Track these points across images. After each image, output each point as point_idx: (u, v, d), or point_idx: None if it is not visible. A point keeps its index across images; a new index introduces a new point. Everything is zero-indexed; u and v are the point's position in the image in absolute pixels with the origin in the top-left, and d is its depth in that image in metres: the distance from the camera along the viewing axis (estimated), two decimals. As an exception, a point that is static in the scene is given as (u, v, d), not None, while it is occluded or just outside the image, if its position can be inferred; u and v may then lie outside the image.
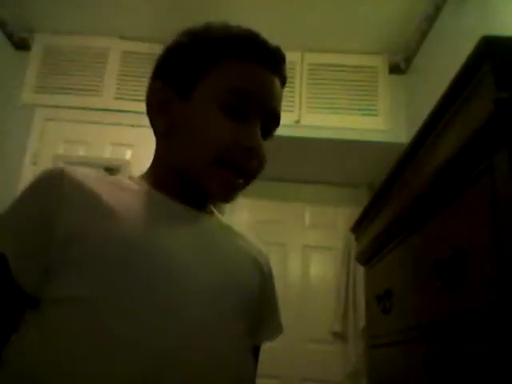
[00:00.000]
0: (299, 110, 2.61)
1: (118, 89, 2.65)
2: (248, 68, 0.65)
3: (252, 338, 0.69)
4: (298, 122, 2.59)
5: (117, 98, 2.64)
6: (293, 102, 2.63)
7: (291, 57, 2.68)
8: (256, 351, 0.76)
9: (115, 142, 2.56)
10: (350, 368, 2.70)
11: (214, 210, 0.75)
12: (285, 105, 2.82)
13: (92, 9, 2.53)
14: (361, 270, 2.36)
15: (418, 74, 2.53)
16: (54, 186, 0.57)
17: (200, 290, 0.59)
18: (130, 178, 0.69)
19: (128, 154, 2.54)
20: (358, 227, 1.48)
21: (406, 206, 1.03)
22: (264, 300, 0.73)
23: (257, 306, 0.69)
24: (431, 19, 2.30)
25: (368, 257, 1.38)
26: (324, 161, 2.86)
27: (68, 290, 0.53)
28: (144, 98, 0.69)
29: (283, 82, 0.71)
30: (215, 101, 0.63)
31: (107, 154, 2.55)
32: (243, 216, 3.01)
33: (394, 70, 2.67)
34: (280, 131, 2.44)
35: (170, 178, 0.68)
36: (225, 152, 0.63)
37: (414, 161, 0.98)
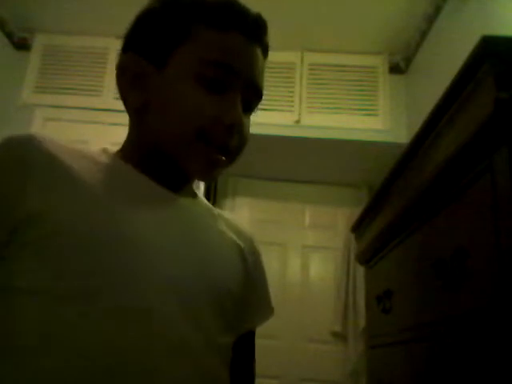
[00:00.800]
0: (299, 110, 2.61)
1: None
2: (226, 36, 0.59)
3: (235, 330, 0.66)
4: (297, 122, 2.59)
5: (117, 98, 2.62)
6: (293, 102, 2.63)
7: (291, 57, 2.68)
8: (251, 336, 0.74)
9: (115, 141, 2.51)
10: (349, 368, 2.70)
11: (197, 192, 0.71)
12: (285, 105, 2.84)
13: (92, 9, 2.52)
14: (361, 270, 2.36)
15: (418, 73, 2.53)
16: (18, 161, 0.53)
17: (169, 287, 0.55)
18: (105, 151, 0.64)
19: (128, 154, 2.54)
20: (358, 227, 1.48)
21: (405, 205, 1.03)
22: (250, 285, 0.69)
23: (241, 294, 0.66)
24: (431, 19, 2.30)
25: (368, 257, 1.39)
26: (324, 161, 2.86)
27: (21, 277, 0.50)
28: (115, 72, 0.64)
29: (265, 52, 0.65)
30: (192, 72, 0.59)
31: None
32: (243, 215, 3.01)
33: (394, 70, 2.67)
34: (280, 131, 2.47)
35: (145, 158, 0.63)
36: (204, 127, 0.58)
37: (414, 161, 0.98)
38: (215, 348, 0.59)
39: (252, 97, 0.64)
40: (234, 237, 0.70)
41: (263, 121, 2.56)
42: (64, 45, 2.72)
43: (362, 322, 2.54)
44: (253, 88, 0.63)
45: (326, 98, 2.64)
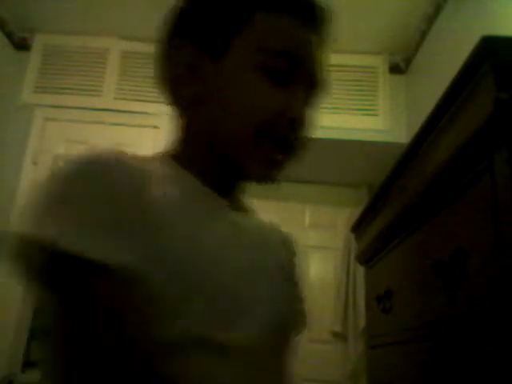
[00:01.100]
0: (299, 110, 2.60)
1: (117, 89, 2.65)
2: (288, 24, 0.55)
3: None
4: (297, 121, 2.59)
5: (117, 98, 2.64)
6: (293, 101, 2.62)
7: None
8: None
9: (115, 141, 2.55)
10: (349, 368, 2.70)
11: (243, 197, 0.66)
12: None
13: (92, 9, 2.52)
14: (361, 270, 2.36)
15: (417, 73, 2.53)
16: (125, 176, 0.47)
17: (262, 300, 0.53)
18: (154, 159, 0.59)
19: (128, 154, 2.54)
20: (358, 227, 1.48)
21: (406, 205, 1.03)
22: (298, 301, 0.67)
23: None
24: (431, 19, 2.30)
25: (368, 257, 1.38)
26: (324, 161, 2.86)
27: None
28: (157, 63, 0.59)
29: (328, 44, 0.61)
30: (252, 63, 0.54)
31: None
32: (243, 216, 3.01)
33: (394, 69, 2.67)
34: (280, 131, 2.36)
35: (198, 157, 0.58)
36: (266, 123, 0.54)
37: (414, 161, 0.98)
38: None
39: (315, 89, 0.60)
40: (284, 252, 0.68)
41: (263, 121, 2.56)
42: (64, 45, 2.72)
43: (362, 322, 2.54)
44: (316, 80, 0.59)
45: (325, 97, 2.64)
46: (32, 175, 2.49)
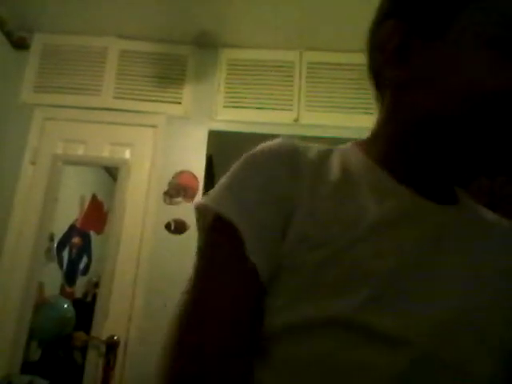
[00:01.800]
0: (298, 109, 2.60)
1: (116, 88, 2.65)
2: None
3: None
4: (296, 120, 2.59)
5: (116, 98, 2.64)
6: (291, 100, 2.62)
7: (290, 56, 2.68)
8: None
9: (114, 141, 2.55)
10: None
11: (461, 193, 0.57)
12: (283, 103, 2.81)
13: (91, 8, 2.52)
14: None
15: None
16: (293, 167, 0.50)
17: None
18: (354, 147, 0.57)
19: (127, 154, 2.54)
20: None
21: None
22: None
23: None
24: (430, 18, 2.30)
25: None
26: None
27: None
28: (365, 42, 0.56)
29: None
30: (484, 40, 0.47)
31: (106, 153, 2.54)
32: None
33: (393, 68, 2.67)
34: (279, 130, 2.45)
35: (398, 147, 0.53)
36: (502, 103, 0.46)
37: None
38: None
39: None
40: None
41: (262, 119, 2.56)
42: (63, 44, 2.72)
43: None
44: None
45: (324, 96, 2.64)
46: (31, 174, 2.49)
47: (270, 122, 2.53)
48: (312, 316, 0.44)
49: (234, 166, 0.52)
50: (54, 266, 2.67)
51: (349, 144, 0.58)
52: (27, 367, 2.27)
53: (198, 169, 2.53)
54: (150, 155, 2.51)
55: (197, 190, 2.49)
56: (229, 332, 0.45)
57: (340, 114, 2.59)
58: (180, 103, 2.61)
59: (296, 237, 0.47)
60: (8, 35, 2.65)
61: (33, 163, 2.51)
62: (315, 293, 0.45)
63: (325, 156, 0.54)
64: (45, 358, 2.46)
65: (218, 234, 0.49)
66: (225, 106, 2.62)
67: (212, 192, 0.51)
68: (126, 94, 2.63)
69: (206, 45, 2.67)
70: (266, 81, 2.63)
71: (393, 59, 0.52)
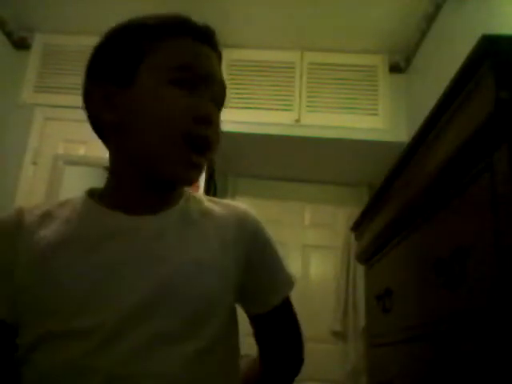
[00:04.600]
0: (299, 110, 2.60)
1: (117, 88, 2.65)
2: (184, 43, 0.66)
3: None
4: (297, 121, 2.59)
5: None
6: (292, 101, 2.62)
7: (291, 56, 2.68)
8: (285, 307, 0.76)
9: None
10: (349, 368, 2.70)
11: (188, 192, 0.73)
12: (284, 104, 2.82)
13: (91, 8, 2.52)
14: (361, 270, 2.36)
15: (417, 73, 2.53)
16: (7, 235, 0.64)
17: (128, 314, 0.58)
18: (86, 195, 0.71)
19: (128, 154, 2.54)
20: (358, 226, 1.48)
21: (406, 204, 1.03)
22: (253, 272, 0.71)
23: (241, 286, 0.69)
24: (431, 18, 2.30)
25: (368, 256, 1.38)
26: (324, 160, 2.86)
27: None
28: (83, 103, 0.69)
29: (219, 56, 0.72)
30: (162, 81, 0.63)
31: (107, 153, 2.54)
32: (243, 215, 3.01)
33: (394, 69, 2.67)
34: (280, 130, 2.46)
35: (128, 180, 0.68)
36: (190, 125, 0.62)
37: (414, 160, 0.98)
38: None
39: (218, 91, 0.69)
40: (222, 231, 0.68)
41: (263, 120, 2.56)
42: (64, 44, 2.72)
43: (362, 322, 2.55)
44: (216, 81, 0.68)
45: (325, 97, 2.64)
46: (32, 174, 2.49)
47: (270, 122, 2.53)
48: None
49: None
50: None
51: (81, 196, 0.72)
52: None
53: (199, 169, 2.53)
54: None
55: (197, 190, 2.50)
56: None
57: (341, 115, 2.60)
58: (181, 103, 2.61)
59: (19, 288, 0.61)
60: (9, 35, 2.66)
61: (34, 163, 2.51)
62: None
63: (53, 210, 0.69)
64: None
65: None
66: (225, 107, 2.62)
67: None
68: (126, 95, 2.63)
69: (207, 45, 2.67)
70: (267, 81, 2.63)
71: (101, 108, 0.65)
